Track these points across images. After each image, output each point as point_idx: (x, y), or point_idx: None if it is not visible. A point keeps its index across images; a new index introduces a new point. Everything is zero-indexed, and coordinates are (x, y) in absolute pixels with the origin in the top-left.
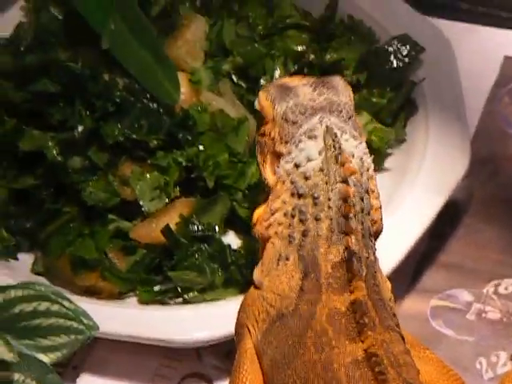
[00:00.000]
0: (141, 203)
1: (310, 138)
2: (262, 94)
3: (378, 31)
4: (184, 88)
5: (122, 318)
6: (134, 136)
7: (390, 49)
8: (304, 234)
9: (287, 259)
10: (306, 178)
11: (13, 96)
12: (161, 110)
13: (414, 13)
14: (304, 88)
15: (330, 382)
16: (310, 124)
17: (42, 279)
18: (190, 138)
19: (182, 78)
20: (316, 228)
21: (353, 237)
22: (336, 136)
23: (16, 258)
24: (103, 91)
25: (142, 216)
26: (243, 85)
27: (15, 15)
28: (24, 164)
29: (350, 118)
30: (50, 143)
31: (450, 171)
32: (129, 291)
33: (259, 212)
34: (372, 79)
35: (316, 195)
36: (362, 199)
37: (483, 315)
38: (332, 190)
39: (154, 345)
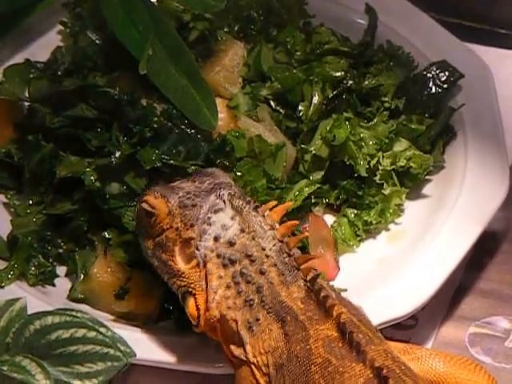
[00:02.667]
0: None
1: (216, 212)
2: (149, 196)
3: (416, 57)
4: (222, 114)
5: (158, 343)
6: (172, 162)
7: (429, 75)
8: (258, 291)
9: (258, 320)
10: (232, 244)
11: (50, 121)
12: (198, 136)
13: (452, 39)
14: (184, 182)
15: None
16: (210, 202)
17: (78, 305)
18: (227, 164)
19: (220, 104)
20: (266, 280)
21: (307, 265)
22: (244, 196)
23: (53, 284)
24: (141, 117)
25: None
26: (281, 110)
27: (53, 40)
28: (61, 189)
29: (241, 189)
30: (87, 169)
31: (489, 199)
32: (165, 317)
33: (193, 304)
34: (410, 105)
35: (249, 253)
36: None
37: None
38: (263, 239)
39: (190, 372)
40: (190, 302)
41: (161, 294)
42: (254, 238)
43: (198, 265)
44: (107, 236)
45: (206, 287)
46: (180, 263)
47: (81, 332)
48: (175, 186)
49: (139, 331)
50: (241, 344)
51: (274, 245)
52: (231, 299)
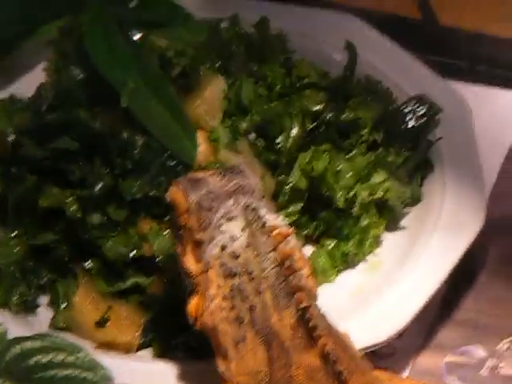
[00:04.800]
0: (158, 259)
1: (229, 220)
2: (172, 188)
3: (395, 92)
4: (202, 146)
5: (138, 371)
6: (153, 193)
7: (407, 109)
8: (251, 310)
9: (244, 340)
10: (236, 257)
11: (33, 153)
12: (179, 168)
13: (432, 74)
14: (213, 177)
15: None
16: (226, 207)
17: (60, 334)
18: None
19: (201, 136)
20: (261, 301)
21: (302, 294)
22: (256, 210)
23: (35, 314)
24: (122, 149)
25: (160, 272)
26: (261, 143)
27: (38, 76)
28: (44, 220)
29: (262, 197)
30: (69, 200)
31: (465, 230)
32: (146, 345)
33: (194, 304)
34: (389, 138)
35: (250, 270)
36: (292, 262)
37: (497, 371)
38: (264, 260)
39: None
40: (192, 301)
41: (141, 323)
42: (257, 256)
43: (203, 268)
44: (88, 266)
45: (205, 293)
46: (189, 262)
47: (60, 356)
48: (204, 178)
49: (120, 358)
50: (226, 359)
51: (274, 267)
52: (225, 311)
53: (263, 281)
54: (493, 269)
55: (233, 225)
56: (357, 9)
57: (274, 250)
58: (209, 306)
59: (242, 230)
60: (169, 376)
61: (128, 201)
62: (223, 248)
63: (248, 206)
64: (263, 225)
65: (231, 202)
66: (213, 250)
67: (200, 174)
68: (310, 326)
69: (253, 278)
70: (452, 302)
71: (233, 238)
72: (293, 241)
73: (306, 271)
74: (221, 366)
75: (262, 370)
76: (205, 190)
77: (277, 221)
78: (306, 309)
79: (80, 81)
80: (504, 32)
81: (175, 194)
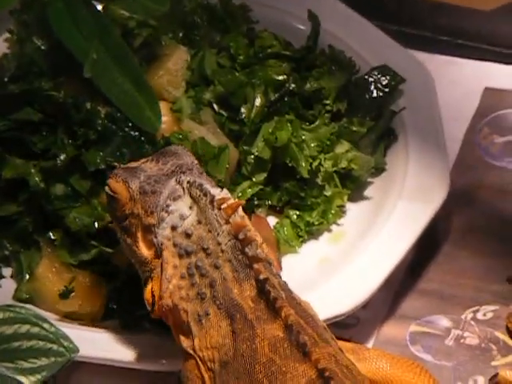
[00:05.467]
0: None
1: (175, 199)
2: (110, 180)
3: (358, 62)
4: (165, 117)
5: (103, 341)
6: (116, 164)
7: (370, 79)
8: (211, 285)
9: (207, 314)
10: (188, 236)
11: None
12: (142, 139)
13: (394, 44)
14: (147, 163)
15: None
16: (169, 188)
17: (24, 306)
18: None
19: (164, 107)
20: (220, 275)
21: (260, 265)
22: (201, 186)
23: None
24: (85, 120)
25: None
26: (224, 114)
27: (0, 47)
28: (6, 192)
29: (201, 173)
30: (32, 171)
31: (429, 200)
32: (111, 316)
33: (151, 289)
34: (352, 108)
35: (205, 246)
36: (246, 234)
37: (461, 341)
38: (219, 234)
39: (136, 369)
40: (147, 287)
41: (106, 293)
42: (210, 231)
43: (157, 251)
44: (52, 237)
45: (161, 275)
46: (142, 249)
47: (24, 328)
48: (138, 167)
49: (84, 329)
50: (189, 336)
51: (229, 240)
52: (184, 290)
53: (220, 255)
54: (456, 239)
55: (180, 204)
56: None
57: (227, 223)
58: (168, 286)
59: (190, 207)
60: (134, 347)
61: (91, 172)
62: (174, 228)
63: (192, 184)
64: (211, 200)
65: (173, 181)
66: (164, 232)
67: (134, 164)
68: (272, 296)
69: (209, 254)
70: (416, 272)
71: (182, 217)
72: (240, 211)
73: (258, 240)
74: (184, 342)
75: (226, 343)
76: (143, 176)
77: (223, 194)
78: (265, 280)
79: (42, 51)
80: (465, 2)
81: (115, 185)
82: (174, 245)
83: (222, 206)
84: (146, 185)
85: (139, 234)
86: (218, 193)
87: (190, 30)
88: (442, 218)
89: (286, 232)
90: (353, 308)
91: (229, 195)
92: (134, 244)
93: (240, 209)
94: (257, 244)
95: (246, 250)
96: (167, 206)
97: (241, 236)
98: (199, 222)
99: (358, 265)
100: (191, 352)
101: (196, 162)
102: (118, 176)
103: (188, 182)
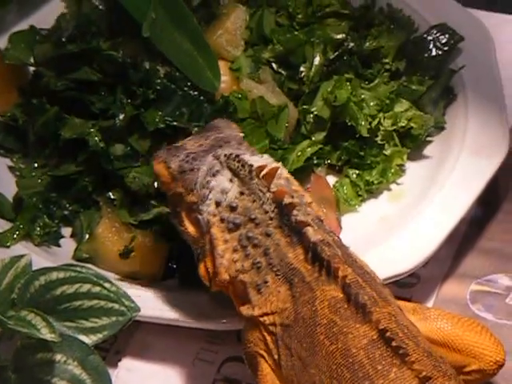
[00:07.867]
0: None
1: (214, 175)
2: (154, 162)
3: (417, 21)
4: (224, 76)
5: (163, 301)
6: (175, 123)
7: (429, 37)
8: (266, 253)
9: (266, 282)
10: (234, 208)
11: (54, 84)
12: (201, 98)
13: (453, 3)
14: (190, 141)
15: (352, 367)
16: (207, 163)
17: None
18: None
19: (223, 66)
20: (273, 242)
21: (309, 228)
22: (238, 157)
23: (58, 245)
24: (144, 79)
25: None
26: (283, 72)
27: (57, 7)
28: (66, 152)
29: (240, 143)
30: (91, 131)
31: (489, 158)
32: (171, 276)
33: (205, 266)
34: (411, 67)
35: (253, 216)
36: (293, 197)
37: None
38: (264, 202)
39: (195, 328)
40: (201, 265)
41: (165, 252)
42: (254, 201)
43: (202, 229)
44: (112, 197)
45: (213, 251)
46: (189, 228)
47: (85, 287)
48: (182, 145)
49: (144, 289)
50: (249, 304)
51: (275, 207)
52: (239, 262)
53: (270, 222)
54: None
55: (220, 178)
56: None
57: (269, 190)
58: (221, 262)
59: (231, 180)
60: (194, 306)
61: (150, 131)
62: (218, 203)
63: (229, 156)
64: (250, 170)
65: (210, 157)
66: (209, 208)
67: (179, 143)
68: (326, 258)
69: (258, 224)
70: (476, 230)
71: (224, 191)
72: (284, 173)
73: (306, 200)
74: (244, 310)
75: (286, 307)
76: (183, 155)
77: (262, 161)
78: (317, 243)
79: (100, 11)
80: None
81: (157, 166)
82: (221, 220)
83: (261, 175)
84: (184, 163)
85: (183, 214)
86: (257, 160)
87: None
88: (503, 176)
89: (345, 191)
90: (414, 266)
91: (269, 161)
92: (181, 223)
93: (284, 171)
94: (303, 206)
95: (292, 215)
96: (207, 182)
97: (285, 201)
98: (242, 194)
99: (419, 222)
100: (254, 318)
101: (238, 134)
102: (159, 157)
103: (225, 156)
